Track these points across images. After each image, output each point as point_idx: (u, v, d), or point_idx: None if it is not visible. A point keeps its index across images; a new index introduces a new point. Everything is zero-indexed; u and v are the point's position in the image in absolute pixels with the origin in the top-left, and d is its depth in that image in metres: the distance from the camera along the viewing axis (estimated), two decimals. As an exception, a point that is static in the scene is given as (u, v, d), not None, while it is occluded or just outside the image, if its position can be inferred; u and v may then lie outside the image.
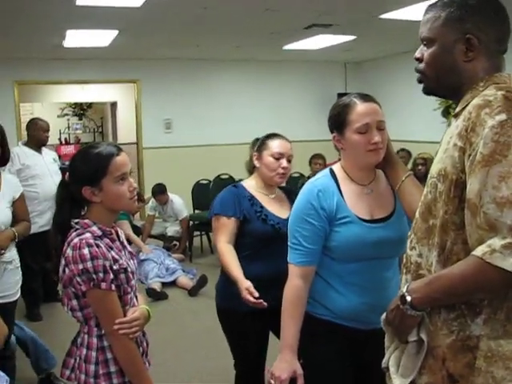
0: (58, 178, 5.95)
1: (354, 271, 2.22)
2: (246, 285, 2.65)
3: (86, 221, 2.14)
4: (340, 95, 10.53)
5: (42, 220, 5.63)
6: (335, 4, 6.08)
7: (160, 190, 8.08)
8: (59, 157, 7.20)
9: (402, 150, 8.20)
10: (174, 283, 6.77)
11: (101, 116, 14.84)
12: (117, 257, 2.14)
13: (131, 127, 10.64)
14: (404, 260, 1.79)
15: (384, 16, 6.63)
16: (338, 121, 2.22)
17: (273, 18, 6.70)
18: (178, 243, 8.31)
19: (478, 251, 1.45)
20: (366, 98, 2.23)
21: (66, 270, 2.06)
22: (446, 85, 1.71)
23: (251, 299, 2.59)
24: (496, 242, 1.42)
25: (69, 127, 14.67)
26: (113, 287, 2.08)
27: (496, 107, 1.49)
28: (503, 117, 1.46)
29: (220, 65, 10.46)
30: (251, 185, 3.07)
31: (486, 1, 1.66)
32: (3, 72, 9.13)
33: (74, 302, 2.10)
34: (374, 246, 2.19)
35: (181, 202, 8.22)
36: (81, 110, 14.66)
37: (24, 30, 6.88)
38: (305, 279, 2.23)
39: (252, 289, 2.61)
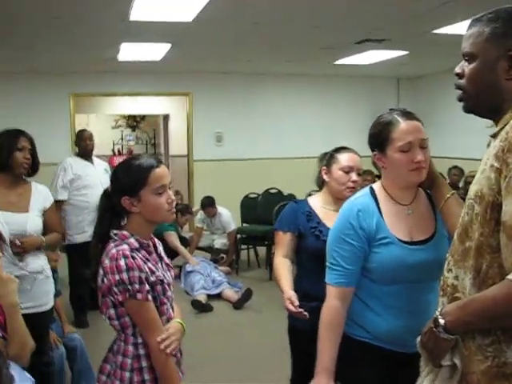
0: (108, 188, 6.07)
1: (393, 293, 2.18)
2: (288, 295, 2.66)
3: (125, 232, 2.20)
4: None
5: (91, 229, 5.69)
6: (387, 19, 6.04)
7: (209, 203, 8.15)
8: (112, 168, 7.34)
9: (455, 167, 8.07)
10: (219, 296, 6.79)
11: (153, 128, 15.02)
12: (153, 268, 2.19)
13: (183, 139, 10.75)
14: (441, 282, 1.76)
15: (437, 31, 6.54)
16: (380, 139, 2.19)
17: (323, 34, 6.70)
18: (225, 256, 8.34)
19: None
20: (408, 115, 2.18)
21: (105, 280, 2.12)
22: (485, 103, 1.66)
23: (292, 308, 2.59)
24: None
25: (122, 138, 14.88)
26: (149, 297, 2.12)
27: None
28: None
29: (271, 79, 10.49)
30: (317, 200, 3.05)
31: None
32: (59, 84, 9.38)
33: (112, 311, 2.16)
34: (413, 269, 2.14)
35: (229, 215, 8.26)
36: (134, 121, 14.87)
37: (80, 44, 7.06)
38: (343, 300, 2.20)
39: (294, 298, 2.62)
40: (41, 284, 3.54)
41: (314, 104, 10.80)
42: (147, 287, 2.11)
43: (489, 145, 1.67)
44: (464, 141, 9.33)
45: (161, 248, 2.41)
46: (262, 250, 8.34)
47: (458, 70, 1.72)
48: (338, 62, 8.98)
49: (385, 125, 2.18)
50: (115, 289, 2.09)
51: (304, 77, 10.59)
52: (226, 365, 4.89)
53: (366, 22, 6.18)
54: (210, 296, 6.70)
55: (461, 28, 6.19)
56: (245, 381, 4.55)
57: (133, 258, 2.10)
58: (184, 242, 8.18)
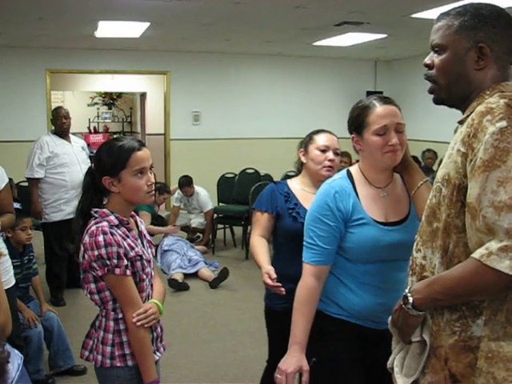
0: (85, 166, 5.99)
1: (367, 272, 2.25)
2: (266, 269, 2.72)
3: (105, 210, 2.26)
4: (369, 93, 10.50)
5: (68, 208, 5.73)
6: (367, 2, 6.07)
7: (187, 182, 8.16)
8: (88, 145, 7.31)
9: (429, 150, 8.16)
10: (195, 275, 6.83)
11: (130, 106, 14.92)
12: (133, 244, 2.25)
13: (160, 118, 10.74)
14: (410, 262, 1.84)
15: (416, 15, 6.60)
16: (357, 122, 2.25)
17: (303, 15, 6.72)
18: (201, 235, 8.40)
19: (476, 254, 1.50)
20: (385, 100, 2.24)
21: (85, 256, 2.18)
22: (455, 93, 1.74)
23: (269, 282, 2.65)
24: (493, 245, 1.47)
25: (98, 116, 14.77)
26: (127, 272, 2.20)
27: (497, 114, 1.53)
28: (504, 124, 1.50)
29: (250, 59, 10.51)
30: (296, 182, 3.09)
31: (499, 12, 1.69)
32: (36, 60, 9.31)
33: (92, 286, 2.23)
34: (388, 249, 2.21)
35: (206, 195, 8.29)
36: (110, 99, 14.74)
37: (57, 19, 7.00)
38: (318, 279, 2.26)
39: (272, 272, 2.68)
40: None
41: (292, 85, 10.85)
42: (125, 262, 2.18)
43: (456, 131, 1.75)
44: (437, 124, 9.41)
45: (143, 226, 2.48)
46: (238, 230, 8.39)
47: (427, 61, 1.78)
48: (317, 44, 9.02)
49: (362, 108, 2.25)
50: (94, 264, 2.16)
51: (283, 57, 10.63)
52: (200, 343, 4.95)
53: (346, 5, 6.21)
54: (186, 275, 6.74)
55: (438, 13, 6.25)
56: (219, 359, 4.61)
57: (111, 234, 2.17)
58: (161, 221, 8.20)
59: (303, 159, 3.03)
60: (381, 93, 9.74)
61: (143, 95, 13.08)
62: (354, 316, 2.28)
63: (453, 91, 1.74)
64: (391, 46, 9.22)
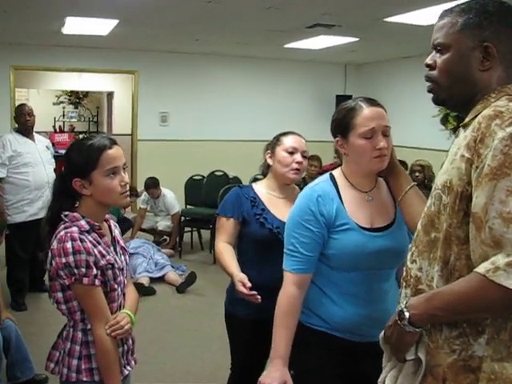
0: (50, 166, 5.85)
1: (351, 281, 2.14)
2: (239, 277, 2.58)
3: (75, 214, 2.11)
4: (339, 97, 10.48)
5: (31, 209, 5.57)
6: (339, 4, 6.00)
7: (153, 184, 8.02)
8: (53, 144, 7.11)
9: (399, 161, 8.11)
10: (162, 279, 6.68)
11: (97, 105, 14.69)
12: (104, 252, 2.12)
13: (127, 118, 10.55)
14: (404, 273, 1.72)
15: (389, 19, 6.56)
16: (342, 124, 2.14)
17: (275, 16, 6.63)
18: (168, 238, 8.25)
19: (481, 268, 1.40)
20: (372, 102, 2.14)
21: (53, 263, 2.05)
22: (457, 94, 1.64)
23: (244, 290, 2.51)
24: (500, 259, 1.37)
25: (64, 115, 14.50)
26: (97, 282, 2.06)
27: (507, 118, 1.43)
28: None
29: (219, 60, 10.39)
30: (262, 186, 2.96)
31: (507, 9, 1.59)
32: (0, 56, 9.01)
33: (60, 295, 2.10)
34: (372, 256, 2.11)
35: (173, 197, 8.16)
36: (77, 98, 14.50)
37: (22, 14, 6.76)
38: (300, 287, 2.15)
39: (245, 280, 2.54)
40: None
41: (262, 87, 10.76)
42: (95, 271, 2.05)
43: (457, 135, 1.64)
44: (406, 128, 9.46)
45: (117, 231, 2.34)
46: (205, 233, 8.26)
47: (428, 61, 1.67)
48: (288, 46, 8.94)
49: (348, 110, 2.14)
50: (61, 272, 2.02)
51: (252, 59, 10.55)
52: (167, 349, 4.82)
53: (318, 7, 6.13)
54: (152, 279, 6.59)
55: (411, 17, 6.23)
56: (186, 366, 4.50)
57: (81, 240, 2.03)
58: (127, 223, 8.05)
59: (270, 161, 2.92)
60: (350, 97, 9.71)
61: (110, 94, 12.88)
62: (336, 328, 2.17)
63: (455, 93, 1.63)
64: (362, 49, 9.19)
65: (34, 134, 5.88)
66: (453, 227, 1.52)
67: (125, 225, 8.02)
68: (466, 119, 1.61)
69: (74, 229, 2.05)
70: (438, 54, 1.65)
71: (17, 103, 9.12)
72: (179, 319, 5.58)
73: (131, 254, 6.92)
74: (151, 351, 4.68)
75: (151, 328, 5.21)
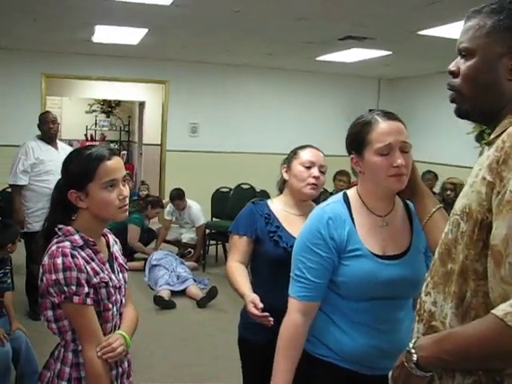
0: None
1: (362, 310, 1.97)
2: (250, 298, 2.43)
3: (69, 228, 1.98)
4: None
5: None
6: (371, 16, 5.84)
7: (178, 195, 7.92)
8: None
9: (429, 172, 7.86)
10: (183, 292, 6.55)
11: (128, 115, 14.71)
12: (97, 269, 1.98)
13: (157, 128, 10.50)
14: (418, 306, 1.54)
15: (423, 32, 6.36)
16: (357, 140, 1.96)
17: (306, 27, 6.49)
18: (192, 251, 8.13)
19: (499, 311, 1.19)
20: (389, 115, 1.95)
21: (43, 279, 1.91)
22: (482, 106, 1.44)
23: (256, 312, 2.36)
24: None
25: (96, 124, 14.57)
26: (88, 301, 1.91)
27: None
28: None
29: (250, 72, 10.29)
30: (278, 203, 2.80)
31: None
32: (31, 64, 9.05)
33: (50, 313, 1.96)
34: (385, 285, 1.93)
35: (199, 209, 8.03)
36: (109, 107, 14.54)
37: (53, 22, 6.75)
38: (306, 315, 1.98)
39: (257, 301, 2.38)
40: None
41: (293, 99, 10.61)
42: (86, 290, 1.90)
43: (481, 153, 1.44)
44: (440, 145, 9.22)
45: (116, 247, 2.20)
46: (230, 247, 8.11)
47: (452, 67, 1.49)
48: (319, 59, 8.79)
49: (363, 125, 1.96)
50: (51, 289, 1.89)
51: (284, 71, 10.42)
52: (181, 366, 4.67)
53: (351, 18, 5.97)
54: (173, 292, 6.45)
55: (447, 30, 6.02)
56: (202, 382, 4.36)
57: (72, 256, 1.88)
58: (151, 234, 7.97)
59: (285, 176, 2.76)
60: (383, 111, 9.52)
61: (142, 104, 12.86)
62: (345, 359, 2.00)
63: (479, 104, 1.44)
64: (396, 63, 8.98)
65: (57, 141, 5.83)
66: (470, 259, 1.33)
67: (149, 235, 7.96)
68: (492, 136, 1.40)
69: (67, 244, 1.92)
70: (462, 60, 1.47)
71: (52, 111, 9.18)
72: (197, 336, 5.42)
73: (153, 266, 6.84)
74: (164, 368, 4.57)
75: (167, 344, 5.09)
